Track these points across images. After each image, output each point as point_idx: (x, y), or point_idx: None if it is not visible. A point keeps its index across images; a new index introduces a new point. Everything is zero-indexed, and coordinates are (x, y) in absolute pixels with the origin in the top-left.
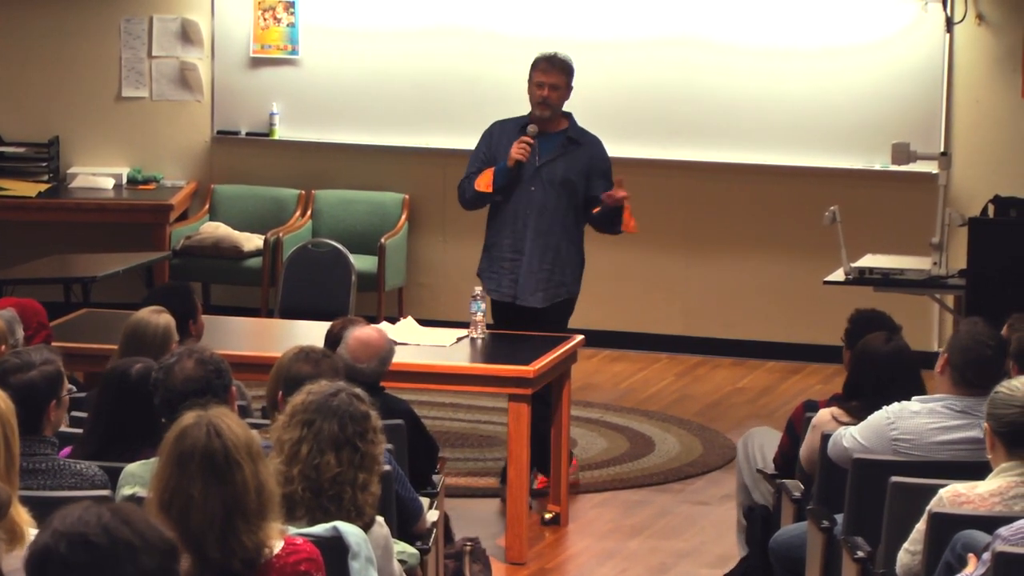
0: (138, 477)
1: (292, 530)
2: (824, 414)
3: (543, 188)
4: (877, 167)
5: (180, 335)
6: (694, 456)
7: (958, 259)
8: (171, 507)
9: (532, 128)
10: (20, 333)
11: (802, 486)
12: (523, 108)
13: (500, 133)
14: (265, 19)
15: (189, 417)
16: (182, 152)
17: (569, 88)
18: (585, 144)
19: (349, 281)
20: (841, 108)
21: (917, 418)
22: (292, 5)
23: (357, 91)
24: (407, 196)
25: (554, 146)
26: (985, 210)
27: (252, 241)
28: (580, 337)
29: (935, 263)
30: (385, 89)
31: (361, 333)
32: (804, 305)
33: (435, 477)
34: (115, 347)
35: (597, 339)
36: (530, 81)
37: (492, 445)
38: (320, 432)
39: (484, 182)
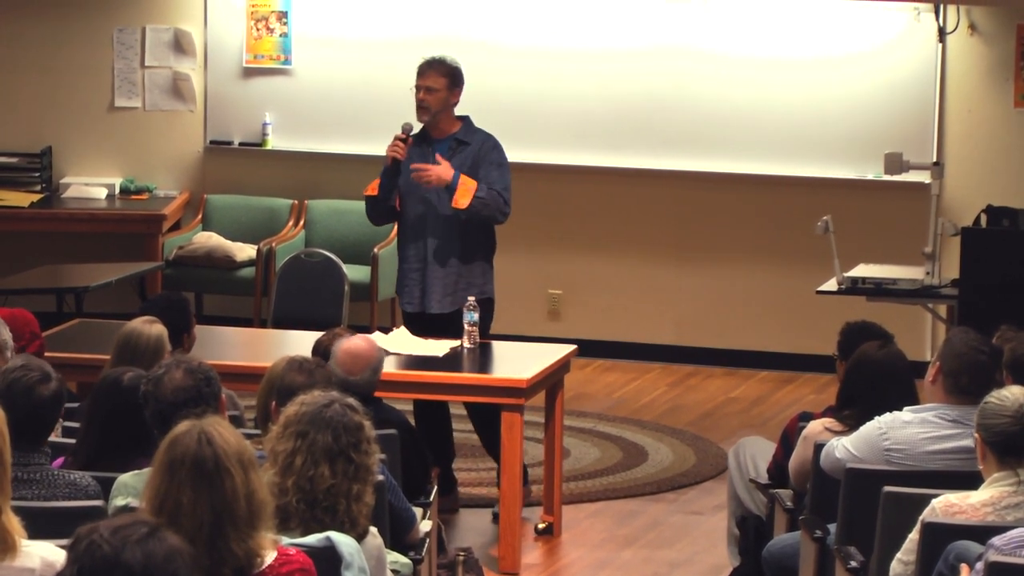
0: (131, 487)
1: (285, 540)
2: (816, 425)
3: (437, 193)
4: (870, 177)
5: (174, 347)
6: (687, 466)
7: (951, 269)
8: (161, 513)
9: (406, 125)
10: (6, 334)
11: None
12: (513, 117)
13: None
14: (258, 29)
15: (182, 425)
16: (175, 162)
17: (451, 90)
18: (473, 141)
19: (342, 291)
20: (834, 118)
21: (909, 428)
22: (285, 15)
23: (350, 101)
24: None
25: (444, 150)
26: (978, 220)
27: (245, 251)
28: (573, 347)
29: (928, 273)
30: (378, 99)
31: (350, 345)
32: (797, 315)
33: (427, 487)
34: (108, 357)
35: (590, 349)
36: None
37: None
38: (314, 444)
39: (372, 186)
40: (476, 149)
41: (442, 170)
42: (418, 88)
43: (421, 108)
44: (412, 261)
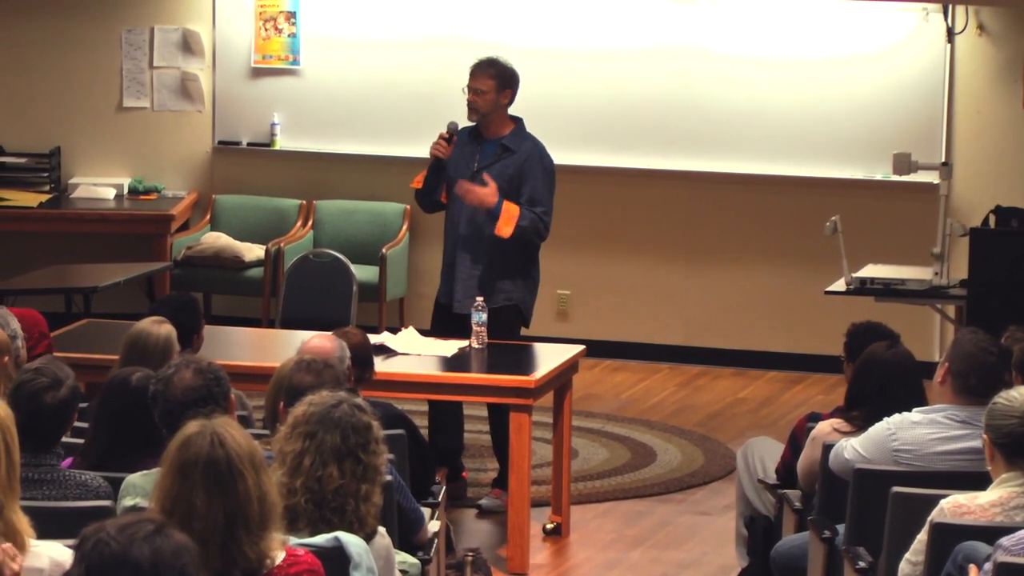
0: (139, 488)
1: (293, 540)
2: (824, 426)
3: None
4: (878, 177)
5: (183, 347)
6: (695, 466)
7: (959, 269)
8: (173, 515)
9: (451, 124)
10: (15, 324)
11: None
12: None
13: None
14: (266, 29)
15: (193, 426)
16: (183, 162)
17: (501, 92)
18: (519, 150)
19: (350, 291)
20: (842, 118)
21: (918, 428)
22: (293, 16)
23: (358, 101)
24: (408, 206)
25: (491, 152)
26: (986, 220)
27: (253, 251)
28: (581, 348)
29: (936, 273)
30: (386, 99)
31: (310, 345)
32: (805, 315)
33: (435, 487)
34: (116, 357)
35: (598, 349)
36: None
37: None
38: (322, 444)
39: (418, 179)
40: (522, 160)
41: (486, 194)
42: (468, 89)
43: (471, 109)
44: (447, 256)
